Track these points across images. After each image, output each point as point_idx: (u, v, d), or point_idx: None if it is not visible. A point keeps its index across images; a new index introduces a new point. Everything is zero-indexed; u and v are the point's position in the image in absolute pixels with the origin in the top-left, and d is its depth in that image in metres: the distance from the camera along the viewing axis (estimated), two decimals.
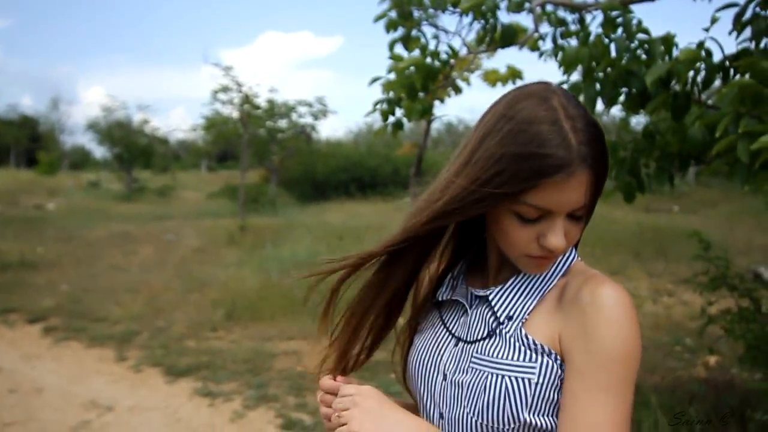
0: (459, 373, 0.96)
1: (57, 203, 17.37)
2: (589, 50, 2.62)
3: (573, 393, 0.86)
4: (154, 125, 22.77)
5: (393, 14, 3.35)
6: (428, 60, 3.30)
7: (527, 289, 0.97)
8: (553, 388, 0.89)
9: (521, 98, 0.89)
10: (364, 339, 1.10)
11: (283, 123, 17.45)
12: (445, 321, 1.05)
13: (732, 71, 2.67)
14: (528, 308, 0.94)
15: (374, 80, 3.33)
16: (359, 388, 0.96)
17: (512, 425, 0.89)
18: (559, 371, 0.89)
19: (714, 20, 2.58)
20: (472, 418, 0.92)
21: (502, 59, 7.76)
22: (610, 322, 0.86)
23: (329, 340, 1.11)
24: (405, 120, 3.52)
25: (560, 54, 2.88)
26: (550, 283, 0.96)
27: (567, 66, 2.77)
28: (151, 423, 4.15)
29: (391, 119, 3.48)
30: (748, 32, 2.90)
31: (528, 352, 0.91)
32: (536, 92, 0.88)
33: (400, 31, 3.37)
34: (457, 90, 5.26)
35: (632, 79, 2.56)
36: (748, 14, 2.88)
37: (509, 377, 0.89)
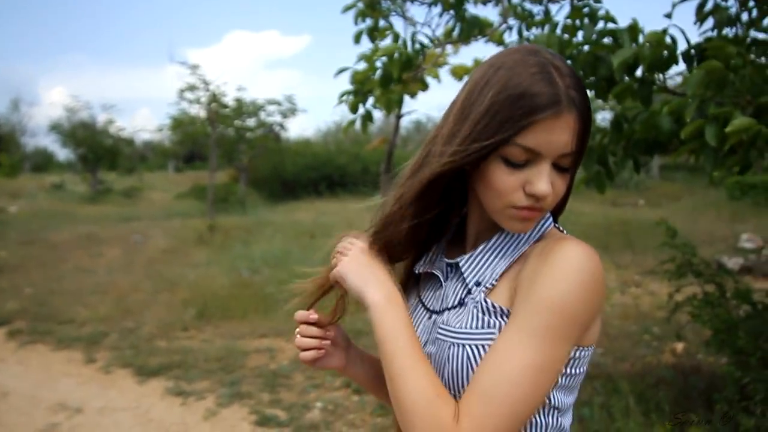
0: (428, 345, 0.98)
1: (19, 206, 16.93)
2: (559, 37, 2.65)
3: (502, 333, 0.87)
4: (119, 126, 22.34)
5: (361, 5, 3.34)
6: (402, 48, 3.29)
7: (498, 254, 0.96)
8: None
9: (509, 52, 0.92)
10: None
11: (251, 122, 17.29)
12: (421, 295, 1.07)
13: (697, 59, 2.73)
14: (497, 273, 0.95)
15: (341, 71, 3.30)
16: (357, 243, 1.03)
17: None
18: None
19: (674, 5, 2.63)
20: None
21: (469, 55, 7.82)
22: (555, 272, 0.85)
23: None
24: (375, 112, 3.50)
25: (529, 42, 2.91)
26: (523, 248, 0.96)
27: None
28: (122, 423, 4.08)
29: (361, 111, 3.46)
30: (710, 23, 2.98)
31: (487, 317, 0.91)
32: (523, 48, 0.92)
33: (368, 22, 3.36)
34: (425, 86, 5.27)
35: (600, 64, 2.60)
36: (709, 5, 2.96)
37: (470, 346, 0.90)
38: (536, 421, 0.91)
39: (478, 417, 0.82)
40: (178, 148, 25.26)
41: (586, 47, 2.67)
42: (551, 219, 1.01)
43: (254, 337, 5.85)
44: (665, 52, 2.60)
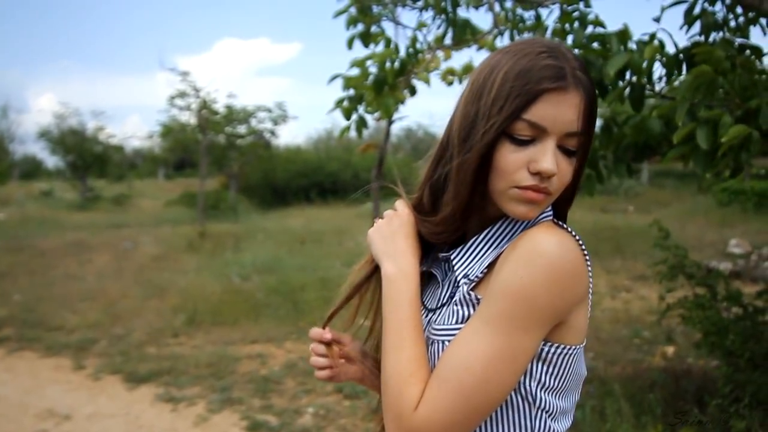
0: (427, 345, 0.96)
1: (7, 213, 16.79)
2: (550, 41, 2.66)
3: (467, 322, 0.87)
4: (109, 132, 22.13)
5: (353, 10, 3.36)
6: (395, 53, 3.31)
7: (489, 245, 0.94)
8: None
9: (517, 41, 0.94)
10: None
11: (242, 129, 17.27)
12: (424, 294, 1.05)
13: (685, 64, 2.76)
14: (484, 264, 0.92)
15: (334, 77, 3.31)
16: (399, 212, 1.01)
17: None
18: None
19: (663, 9, 2.66)
20: None
21: (459, 60, 7.86)
22: (517, 258, 0.83)
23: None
24: (369, 118, 3.51)
25: None
26: (513, 238, 0.93)
27: None
28: (112, 430, 4.05)
29: (355, 117, 3.46)
30: (697, 27, 3.01)
31: (466, 310, 0.90)
32: (530, 38, 0.94)
33: (359, 27, 3.38)
34: (413, 91, 5.28)
35: (590, 68, 2.62)
36: (696, 10, 3.00)
37: (448, 341, 0.89)
38: (520, 423, 0.88)
39: (432, 402, 0.82)
40: (168, 156, 25.18)
41: (576, 51, 2.69)
42: (550, 213, 0.97)
43: (245, 343, 5.82)
44: (658, 57, 2.63)
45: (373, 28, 3.38)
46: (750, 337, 3.46)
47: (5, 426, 4.11)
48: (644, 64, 2.58)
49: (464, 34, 3.12)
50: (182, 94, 13.88)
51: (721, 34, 2.93)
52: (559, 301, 0.83)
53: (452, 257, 0.97)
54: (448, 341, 0.89)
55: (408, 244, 0.98)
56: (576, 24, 2.82)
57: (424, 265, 1.04)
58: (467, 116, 0.91)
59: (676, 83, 2.76)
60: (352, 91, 3.31)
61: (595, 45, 2.74)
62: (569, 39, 2.79)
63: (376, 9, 3.41)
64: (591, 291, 0.92)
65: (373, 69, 3.17)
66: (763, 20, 2.91)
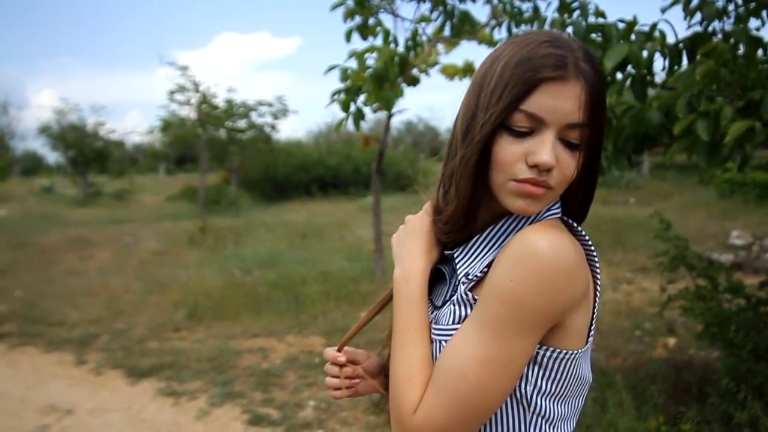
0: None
1: (8, 209, 16.81)
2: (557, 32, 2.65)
3: (461, 325, 0.85)
4: (109, 128, 22.16)
5: (350, 2, 3.34)
6: (394, 46, 3.29)
7: (490, 244, 0.92)
8: None
9: (523, 33, 0.94)
10: None
11: (242, 124, 17.25)
12: (433, 293, 1.02)
13: (686, 54, 2.74)
14: (484, 263, 0.90)
15: (330, 68, 3.30)
16: (415, 215, 1.00)
17: None
18: None
19: (663, 11, 2.65)
20: None
21: (460, 55, 7.85)
22: (508, 261, 0.80)
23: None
24: (367, 110, 3.49)
25: None
26: (513, 235, 0.89)
27: None
28: (114, 424, 4.05)
29: (352, 109, 3.45)
30: (698, 17, 2.99)
31: (464, 310, 0.88)
32: (537, 30, 0.92)
33: (357, 20, 3.36)
34: (416, 81, 5.26)
35: None
36: (696, 1, 2.97)
37: (445, 341, 0.88)
38: (515, 428, 0.86)
39: (428, 407, 0.82)
40: (169, 151, 25.17)
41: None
42: (558, 210, 0.93)
43: (246, 336, 5.82)
44: (658, 49, 2.61)
45: (371, 20, 3.36)
46: (752, 328, 3.45)
47: (7, 421, 4.12)
48: (644, 56, 2.56)
49: (463, 26, 3.10)
50: (181, 89, 13.86)
51: (721, 24, 2.91)
52: (551, 303, 0.79)
53: (455, 255, 0.95)
54: (446, 341, 0.87)
55: (417, 245, 0.96)
56: (575, 14, 2.80)
57: (438, 263, 1.02)
58: (469, 109, 0.89)
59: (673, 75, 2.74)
60: (349, 83, 3.29)
61: (596, 37, 2.72)
62: (569, 30, 2.77)
63: (374, 1, 3.39)
64: (598, 291, 0.89)
65: (371, 62, 3.16)
66: (764, 12, 2.89)
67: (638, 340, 5.12)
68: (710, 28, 2.95)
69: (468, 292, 0.89)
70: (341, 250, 9.07)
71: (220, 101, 15.38)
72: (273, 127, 18.05)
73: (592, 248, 0.89)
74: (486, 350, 0.80)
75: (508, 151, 0.84)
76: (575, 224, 0.92)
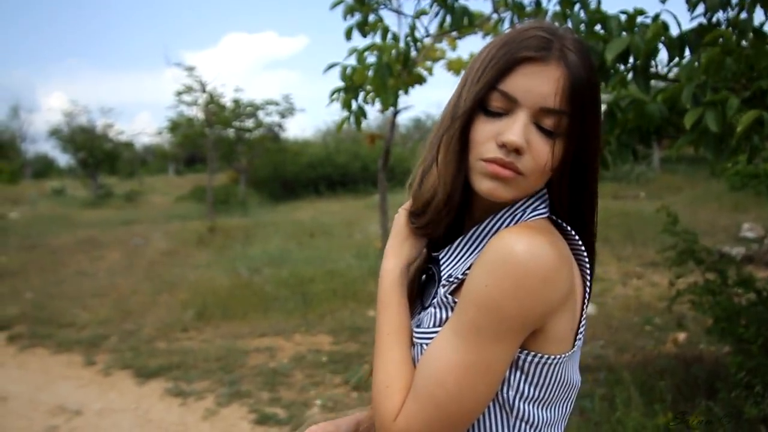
0: None
1: (20, 212, 16.93)
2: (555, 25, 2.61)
3: (440, 330, 0.84)
4: (118, 129, 22.26)
5: (349, 0, 3.31)
6: (393, 42, 3.27)
7: (472, 246, 0.89)
8: None
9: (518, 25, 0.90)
10: None
11: (249, 123, 17.27)
12: (424, 295, 1.00)
13: (688, 46, 2.70)
14: (466, 266, 0.87)
15: (330, 67, 3.27)
16: (397, 215, 0.98)
17: None
18: None
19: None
20: None
21: (466, 49, 7.80)
22: (484, 265, 0.78)
23: None
24: (373, 109, 3.47)
25: None
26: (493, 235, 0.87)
27: None
28: (122, 425, 4.06)
29: (353, 107, 3.42)
30: (701, 8, 2.94)
31: (443, 313, 0.86)
32: (537, 20, 0.90)
33: (357, 17, 3.33)
34: (421, 80, 5.23)
35: (590, 53, 2.56)
36: None
37: (425, 344, 0.86)
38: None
39: (408, 415, 0.81)
40: (178, 151, 25.27)
41: (578, 33, 2.64)
42: (544, 210, 0.89)
43: (254, 336, 5.83)
44: (661, 39, 2.57)
45: (371, 18, 3.34)
46: (763, 322, 3.40)
47: (17, 422, 4.14)
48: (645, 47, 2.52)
49: (461, 21, 3.06)
50: (188, 90, 13.88)
51: (725, 14, 2.86)
52: (527, 309, 0.76)
53: (441, 256, 0.93)
54: (427, 344, 0.86)
55: (390, 244, 0.95)
56: (577, 6, 2.76)
57: (431, 263, 0.99)
58: (455, 93, 0.89)
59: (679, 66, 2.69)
60: (349, 82, 3.27)
61: (599, 30, 2.69)
62: (569, 23, 2.74)
63: None
64: (588, 294, 0.86)
65: (371, 59, 3.13)
66: None
67: (648, 336, 5.07)
68: (714, 19, 2.91)
69: (448, 295, 0.86)
70: (349, 249, 9.06)
71: (227, 101, 15.41)
72: (280, 126, 18.07)
73: (583, 250, 0.86)
74: (463, 356, 0.78)
75: (482, 130, 0.83)
76: (565, 225, 0.89)
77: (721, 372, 3.68)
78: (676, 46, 2.65)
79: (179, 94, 14.14)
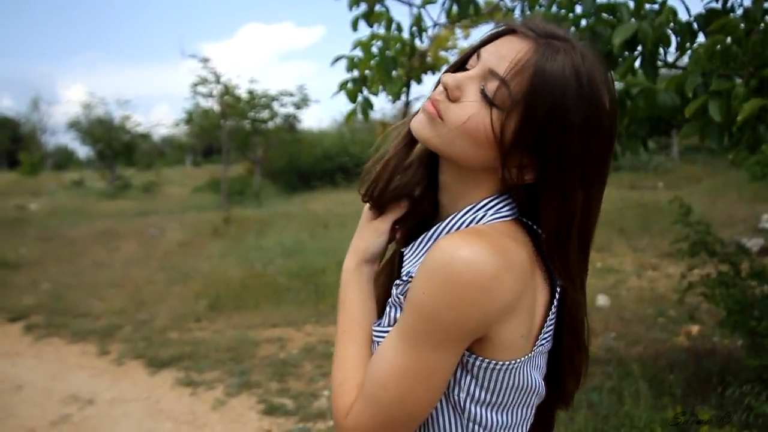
0: None
1: (40, 203, 17.16)
2: (554, 14, 2.57)
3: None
4: (135, 121, 22.46)
5: None
6: (397, 33, 3.23)
7: (432, 242, 0.87)
8: None
9: None
10: None
11: (265, 114, 17.31)
12: None
13: (699, 31, 2.64)
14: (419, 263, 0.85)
15: (337, 59, 3.24)
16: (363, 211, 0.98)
17: None
18: None
19: None
20: None
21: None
22: (424, 271, 0.75)
23: None
24: (374, 99, 3.44)
25: None
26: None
27: None
28: (133, 414, 4.11)
29: (360, 99, 3.40)
30: None
31: (395, 312, 0.85)
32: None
33: (363, 7, 3.30)
34: (435, 68, 5.18)
35: (597, 40, 2.52)
36: None
37: (378, 344, 0.86)
38: None
39: (356, 414, 0.80)
40: (195, 143, 25.42)
41: (583, 21, 2.59)
42: (507, 213, 0.84)
43: (265, 326, 5.85)
44: (670, 26, 2.51)
45: (378, 8, 3.30)
46: None
47: (31, 411, 4.20)
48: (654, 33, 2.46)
49: (467, 10, 3.02)
50: (203, 81, 13.94)
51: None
52: (464, 319, 0.73)
53: (404, 252, 0.91)
54: (377, 343, 0.86)
55: (352, 241, 0.96)
56: None
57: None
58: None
59: (689, 53, 2.63)
60: (356, 73, 3.25)
61: (607, 17, 2.63)
62: (578, 9, 2.69)
63: None
64: (558, 296, 0.83)
65: (375, 49, 3.10)
66: None
67: (661, 328, 5.01)
68: (729, 4, 2.84)
69: (400, 296, 0.85)
70: None
71: (242, 92, 15.46)
72: (295, 116, 18.09)
73: (538, 253, 0.83)
74: (403, 360, 0.77)
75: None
76: (532, 225, 0.85)
77: (733, 366, 3.62)
78: (686, 32, 2.59)
79: (195, 85, 14.22)
